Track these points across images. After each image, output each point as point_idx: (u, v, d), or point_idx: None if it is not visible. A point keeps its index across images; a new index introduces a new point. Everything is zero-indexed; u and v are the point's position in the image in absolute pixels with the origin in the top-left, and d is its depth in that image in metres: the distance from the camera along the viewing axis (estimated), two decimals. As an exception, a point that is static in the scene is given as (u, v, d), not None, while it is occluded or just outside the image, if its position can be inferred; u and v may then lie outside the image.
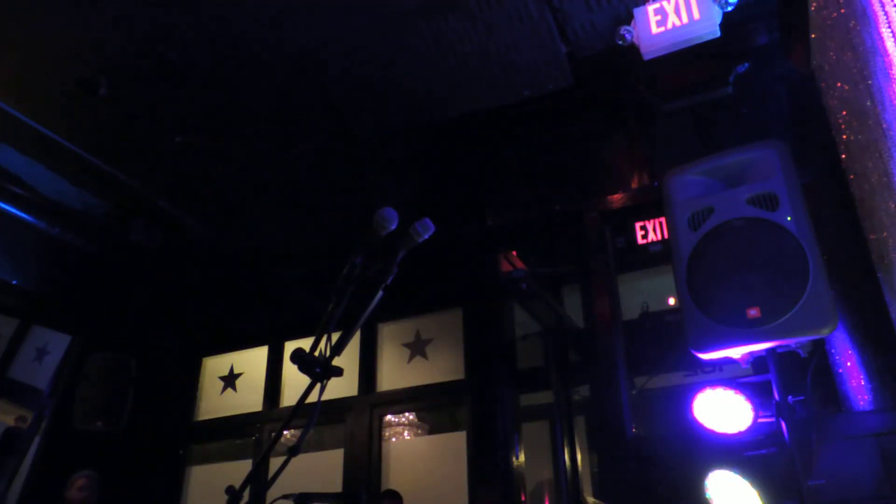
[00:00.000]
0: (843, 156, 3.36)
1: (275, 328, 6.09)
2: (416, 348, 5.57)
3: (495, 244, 5.21)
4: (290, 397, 5.90)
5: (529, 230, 5.28)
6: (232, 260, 5.92)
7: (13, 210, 4.90)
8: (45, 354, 6.95)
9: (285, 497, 2.16)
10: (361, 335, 5.68)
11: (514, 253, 5.35)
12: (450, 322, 5.47)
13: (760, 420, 2.72)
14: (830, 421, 3.36)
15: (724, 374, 4.28)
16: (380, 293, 1.93)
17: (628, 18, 3.75)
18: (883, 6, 2.59)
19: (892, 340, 3.17)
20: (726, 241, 2.76)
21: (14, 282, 5.83)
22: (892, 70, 2.54)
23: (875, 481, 3.17)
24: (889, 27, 2.55)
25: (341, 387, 5.47)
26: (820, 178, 3.72)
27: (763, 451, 2.81)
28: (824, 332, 2.52)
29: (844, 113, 3.24)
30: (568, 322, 5.52)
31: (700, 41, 3.61)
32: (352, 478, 5.22)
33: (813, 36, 3.55)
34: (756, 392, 2.76)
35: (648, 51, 3.68)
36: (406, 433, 5.94)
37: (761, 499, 2.74)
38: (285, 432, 3.15)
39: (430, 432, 6.00)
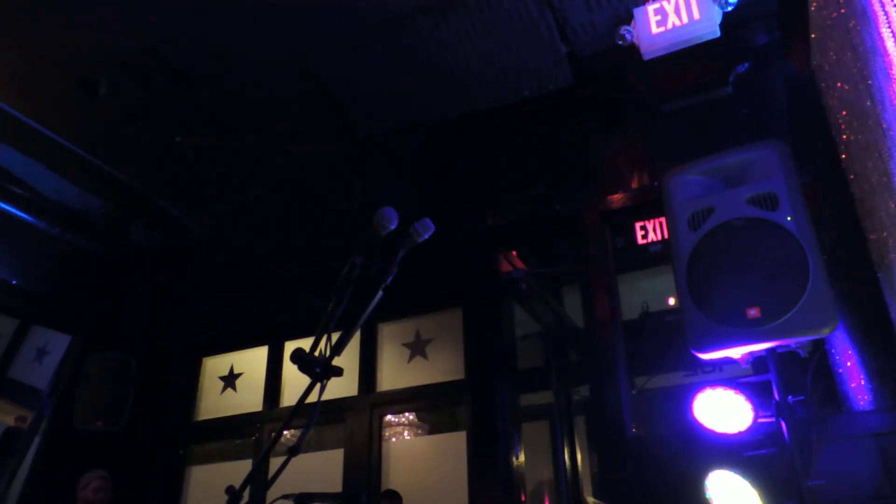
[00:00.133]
0: (843, 156, 3.36)
1: (275, 328, 6.08)
2: (416, 348, 5.56)
3: (495, 244, 5.20)
4: (290, 397, 5.90)
5: (529, 230, 5.28)
6: (232, 260, 5.92)
7: (13, 210, 4.91)
8: (45, 354, 6.95)
9: (285, 497, 2.16)
10: (361, 335, 5.67)
11: (514, 253, 5.34)
12: (450, 322, 5.46)
13: (760, 420, 2.72)
14: (830, 421, 3.36)
15: (724, 374, 4.29)
16: (380, 293, 1.93)
17: (628, 18, 3.75)
18: (883, 6, 2.59)
19: (892, 340, 3.17)
20: (726, 241, 2.75)
21: (14, 282, 5.83)
22: (892, 70, 2.54)
23: (875, 481, 3.17)
24: (889, 27, 2.55)
25: (341, 387, 5.46)
26: (820, 178, 3.71)
27: (763, 451, 2.80)
28: (824, 332, 2.52)
29: (844, 113, 3.24)
30: (568, 322, 5.52)
31: (700, 41, 3.62)
32: (352, 478, 5.21)
33: (813, 36, 3.55)
34: (756, 392, 2.76)
35: (648, 51, 3.69)
36: (406, 433, 5.94)
37: (761, 499, 2.73)
38: (285, 432, 3.15)
39: (430, 432, 5.99)
